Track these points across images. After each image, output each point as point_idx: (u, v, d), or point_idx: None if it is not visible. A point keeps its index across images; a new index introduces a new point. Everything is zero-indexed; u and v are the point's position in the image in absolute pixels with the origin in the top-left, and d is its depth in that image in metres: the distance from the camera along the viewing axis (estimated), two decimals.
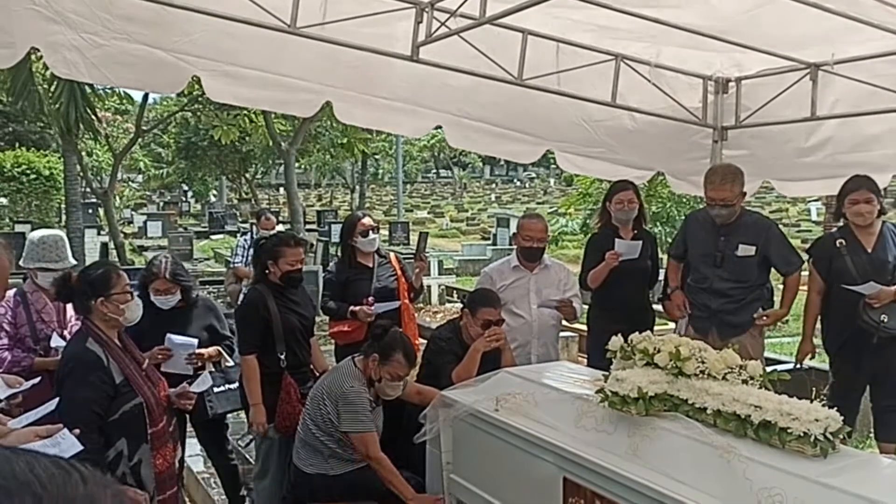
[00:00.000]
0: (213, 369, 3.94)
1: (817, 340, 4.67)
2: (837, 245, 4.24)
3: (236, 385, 4.06)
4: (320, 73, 4.43)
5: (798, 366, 4.57)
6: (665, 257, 5.28)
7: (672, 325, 5.06)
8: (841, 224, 4.38)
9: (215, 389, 3.93)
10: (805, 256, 4.54)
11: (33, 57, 8.95)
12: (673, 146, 5.59)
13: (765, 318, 4.41)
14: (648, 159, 5.65)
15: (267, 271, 4.02)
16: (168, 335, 3.72)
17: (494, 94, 4.85)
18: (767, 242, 4.28)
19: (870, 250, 4.18)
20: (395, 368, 3.55)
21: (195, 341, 3.83)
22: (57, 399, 2.82)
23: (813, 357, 4.59)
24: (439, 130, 5.36)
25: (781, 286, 4.50)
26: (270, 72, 4.32)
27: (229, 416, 4.34)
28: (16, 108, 15.00)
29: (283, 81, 4.40)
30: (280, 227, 7.92)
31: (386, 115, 4.82)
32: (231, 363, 4.06)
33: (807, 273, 4.50)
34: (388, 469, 3.49)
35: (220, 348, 4.01)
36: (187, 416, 3.78)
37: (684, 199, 12.08)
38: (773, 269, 4.48)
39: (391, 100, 4.70)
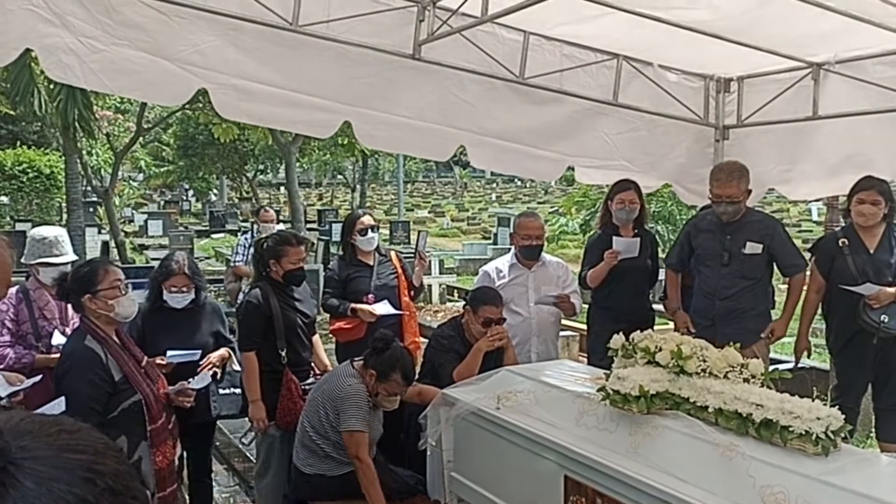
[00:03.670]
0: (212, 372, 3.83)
1: (817, 340, 4.65)
2: (840, 244, 4.24)
3: (240, 391, 3.99)
4: (334, 91, 4.31)
5: (796, 364, 4.55)
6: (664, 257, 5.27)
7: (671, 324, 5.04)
8: (845, 223, 4.37)
9: (220, 391, 3.88)
10: (808, 256, 4.53)
11: (32, 55, 8.87)
12: (685, 157, 5.58)
13: (770, 334, 4.35)
14: (662, 170, 5.64)
15: (269, 270, 4.02)
16: (168, 352, 3.63)
17: (512, 109, 4.80)
18: (774, 241, 4.27)
19: (872, 251, 4.17)
20: (392, 387, 3.53)
21: (197, 353, 3.77)
22: (64, 400, 2.81)
23: (810, 355, 4.58)
24: None
25: (785, 293, 4.47)
26: (282, 87, 4.18)
27: (230, 416, 4.28)
28: (16, 112, 14.95)
29: (296, 98, 4.23)
30: (281, 226, 7.92)
31: (407, 136, 4.66)
32: (238, 367, 4.00)
33: (809, 273, 4.50)
34: (370, 476, 3.39)
35: (228, 350, 3.98)
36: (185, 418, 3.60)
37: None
38: (774, 271, 4.48)
39: (409, 118, 4.58)
